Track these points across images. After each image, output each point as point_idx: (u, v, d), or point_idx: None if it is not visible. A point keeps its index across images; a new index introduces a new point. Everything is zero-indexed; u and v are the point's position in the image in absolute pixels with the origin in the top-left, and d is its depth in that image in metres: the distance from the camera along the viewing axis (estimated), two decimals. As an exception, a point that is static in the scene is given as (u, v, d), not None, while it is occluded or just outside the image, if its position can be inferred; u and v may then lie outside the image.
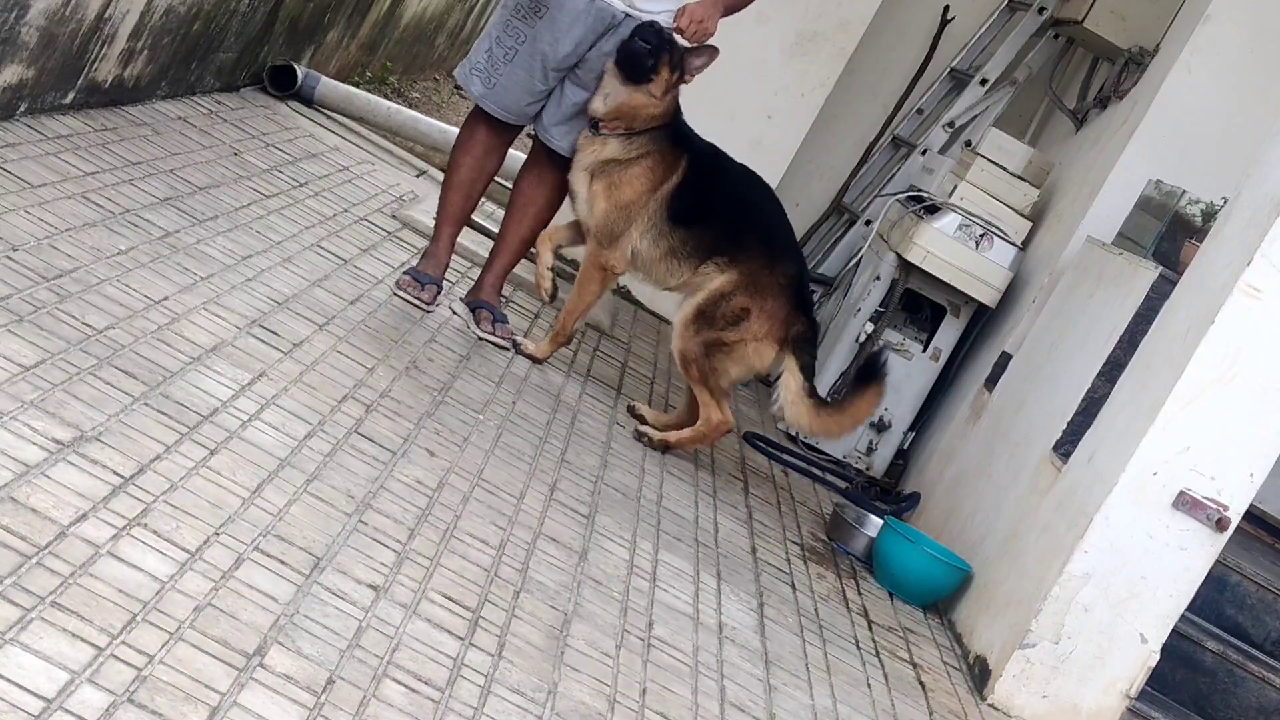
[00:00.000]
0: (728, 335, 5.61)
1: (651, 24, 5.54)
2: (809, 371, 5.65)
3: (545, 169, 5.77)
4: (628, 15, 5.55)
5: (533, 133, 5.90)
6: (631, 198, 5.65)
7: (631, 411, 5.81)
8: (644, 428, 5.67)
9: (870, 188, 8.42)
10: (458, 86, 12.47)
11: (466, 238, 6.83)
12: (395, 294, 5.58)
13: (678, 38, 5.57)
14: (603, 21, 5.53)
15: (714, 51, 5.61)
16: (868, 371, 5.83)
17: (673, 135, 5.70)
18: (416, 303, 5.59)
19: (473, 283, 5.97)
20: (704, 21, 5.53)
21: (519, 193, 5.82)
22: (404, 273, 5.72)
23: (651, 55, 5.53)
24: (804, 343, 5.66)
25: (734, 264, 5.63)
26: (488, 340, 5.65)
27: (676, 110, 5.70)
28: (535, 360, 5.74)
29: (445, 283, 5.86)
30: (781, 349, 5.64)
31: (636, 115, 5.60)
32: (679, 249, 5.68)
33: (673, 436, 5.66)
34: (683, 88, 5.67)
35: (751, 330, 5.61)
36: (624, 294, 7.70)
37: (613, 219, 5.67)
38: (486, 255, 6.75)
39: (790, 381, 5.63)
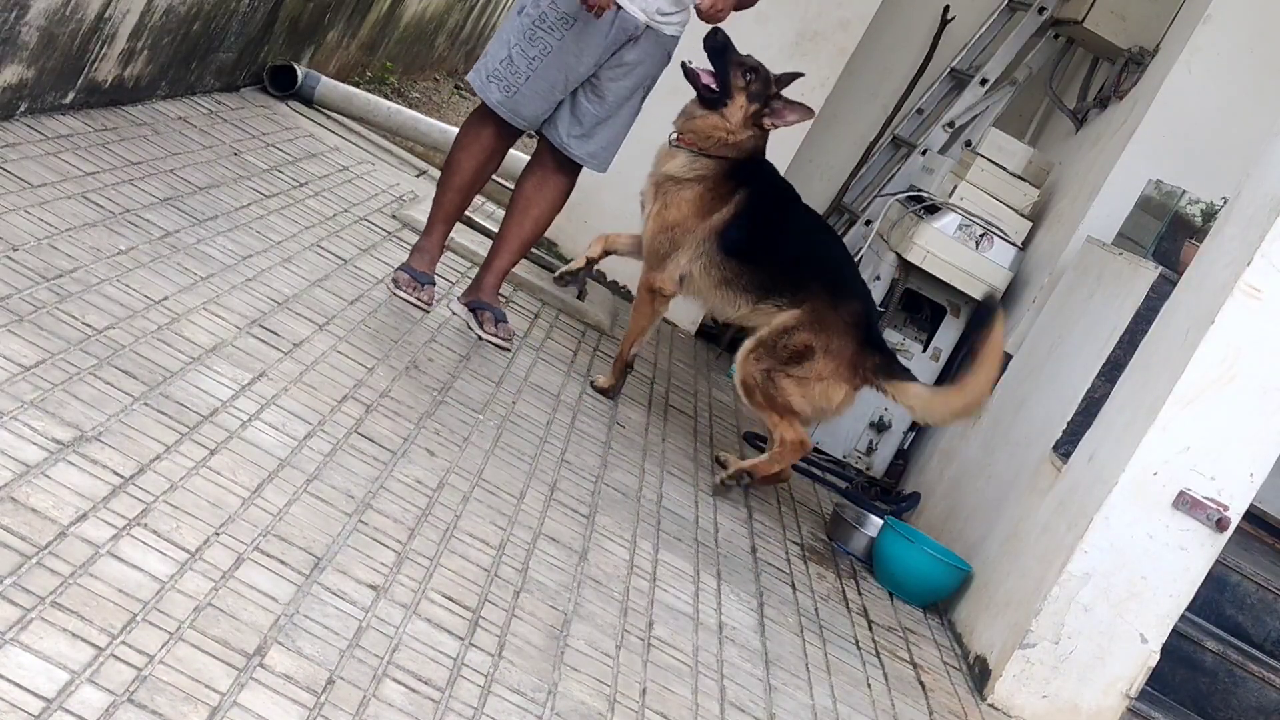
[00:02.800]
0: (792, 370, 5.55)
1: (720, 42, 5.69)
2: (905, 373, 5.62)
3: (549, 172, 5.76)
4: (649, 27, 5.55)
5: (534, 134, 5.88)
6: (676, 219, 5.72)
7: (717, 461, 5.82)
8: (727, 471, 5.62)
9: (870, 188, 8.42)
10: (458, 86, 12.47)
11: (465, 237, 6.83)
12: (394, 293, 5.55)
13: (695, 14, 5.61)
14: (625, 32, 5.52)
15: (808, 111, 5.84)
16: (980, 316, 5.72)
17: (736, 167, 5.74)
18: (417, 303, 5.57)
19: (470, 282, 5.97)
20: (718, 5, 5.56)
21: (520, 194, 5.81)
22: (399, 269, 5.69)
23: (718, 85, 5.70)
24: (885, 368, 5.59)
25: (795, 304, 5.59)
26: (490, 341, 5.63)
27: (755, 147, 5.78)
28: (606, 394, 5.81)
29: (437, 279, 5.84)
30: (854, 387, 5.59)
31: (707, 137, 5.73)
32: (733, 281, 5.69)
33: (748, 463, 5.67)
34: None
35: (817, 370, 5.54)
36: (625, 293, 7.69)
37: (659, 240, 5.77)
38: (481, 252, 6.76)
39: (907, 393, 5.58)
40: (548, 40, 5.51)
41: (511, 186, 6.01)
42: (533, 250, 7.15)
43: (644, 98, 5.75)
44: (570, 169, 5.75)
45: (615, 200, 7.23)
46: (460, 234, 6.81)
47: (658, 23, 5.56)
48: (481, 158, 5.73)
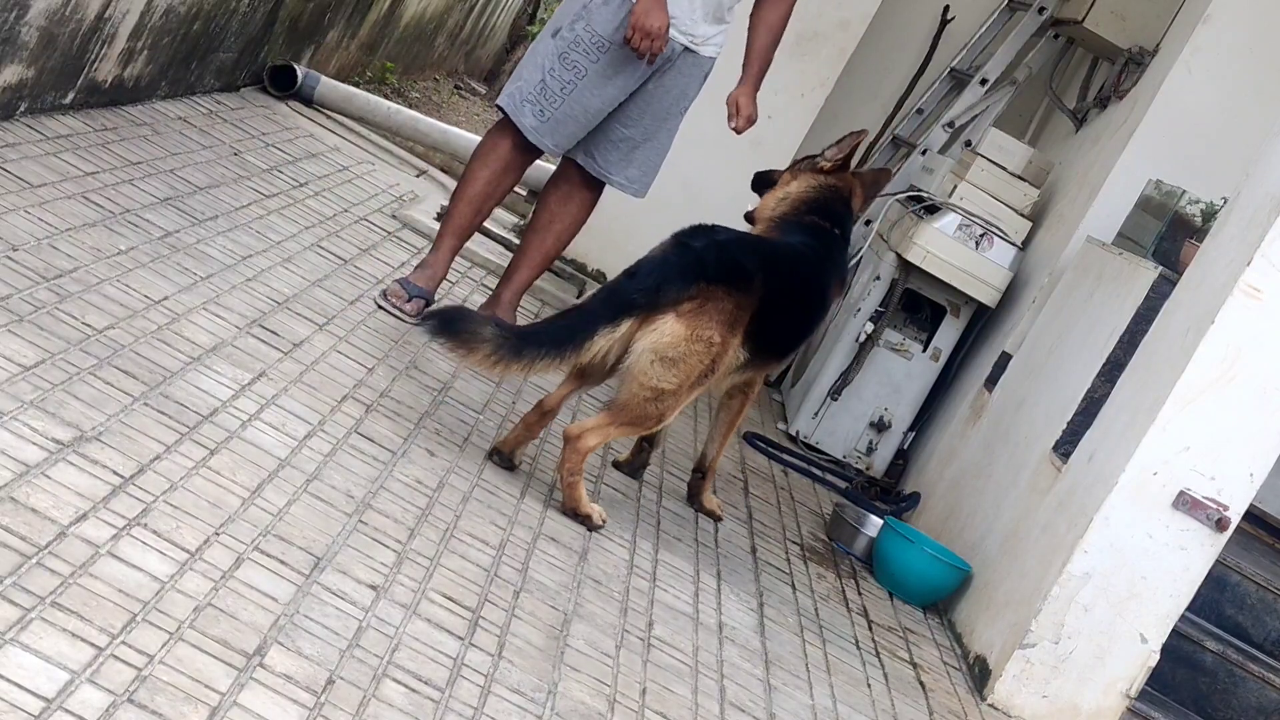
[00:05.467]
0: None
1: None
2: None
3: (575, 187, 5.68)
4: (686, 49, 5.45)
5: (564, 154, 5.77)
6: None
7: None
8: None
9: (870, 187, 8.42)
10: (458, 87, 12.48)
11: (478, 244, 6.79)
12: (378, 305, 5.37)
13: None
14: (662, 56, 5.40)
15: (856, 135, 5.25)
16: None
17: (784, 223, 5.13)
18: (399, 314, 5.37)
19: (479, 290, 5.93)
20: (751, 115, 5.51)
21: (544, 208, 5.74)
22: (394, 280, 5.55)
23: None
24: None
25: None
26: None
27: (818, 198, 5.14)
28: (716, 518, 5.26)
29: (435, 297, 5.66)
30: None
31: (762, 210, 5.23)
32: None
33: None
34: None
35: None
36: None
37: None
38: (481, 252, 6.76)
39: None
40: (582, 65, 5.40)
41: (516, 189, 5.93)
42: (556, 264, 7.12)
43: (680, 120, 5.64)
44: (596, 185, 5.68)
45: (638, 215, 7.21)
46: (473, 240, 6.76)
47: (697, 45, 5.47)
48: (496, 169, 5.59)
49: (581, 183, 5.67)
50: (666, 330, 4.44)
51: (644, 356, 4.44)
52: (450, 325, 4.29)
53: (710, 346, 4.49)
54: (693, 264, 4.52)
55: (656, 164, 5.66)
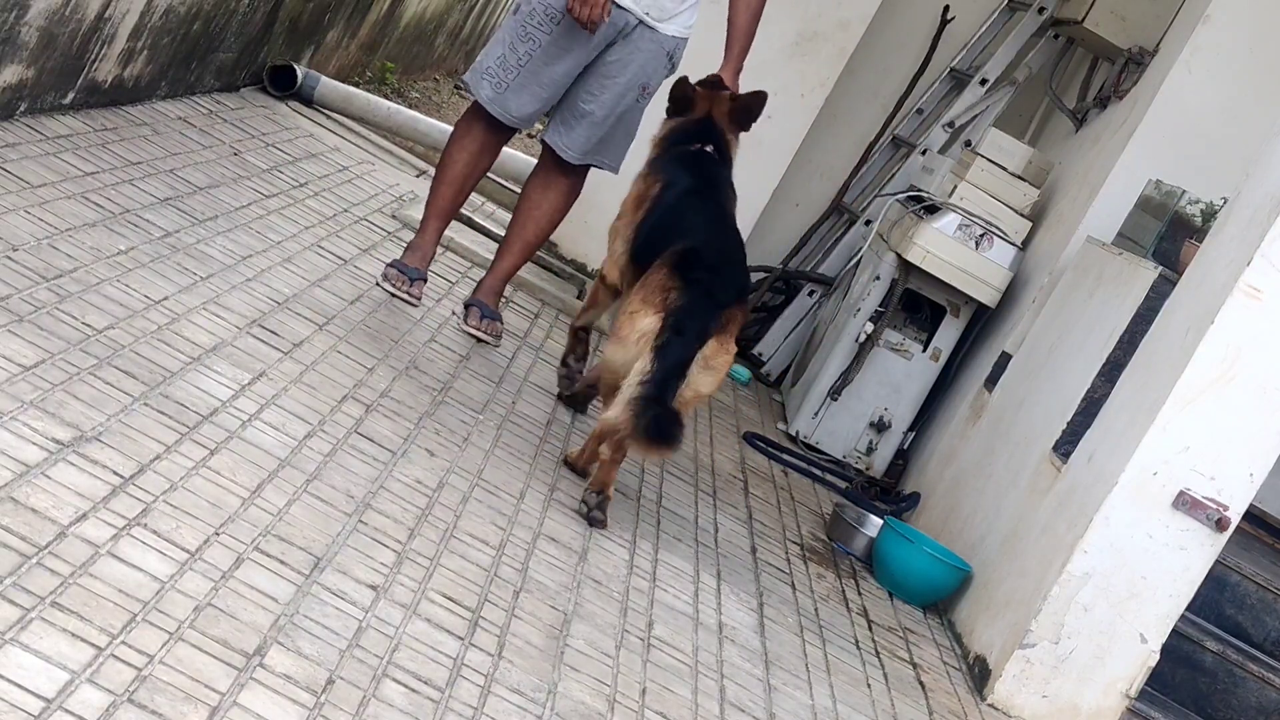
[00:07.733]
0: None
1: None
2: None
3: (551, 174, 5.71)
4: (640, 23, 5.46)
5: (540, 138, 5.84)
6: (620, 211, 5.42)
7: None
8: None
9: (870, 188, 8.42)
10: (457, 86, 12.48)
11: (465, 237, 6.83)
12: (380, 285, 5.47)
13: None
14: (614, 28, 5.44)
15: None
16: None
17: (662, 161, 5.39)
18: (406, 298, 5.48)
19: (474, 284, 5.95)
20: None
21: (525, 198, 5.78)
22: (389, 265, 5.58)
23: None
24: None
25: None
26: (469, 333, 5.58)
27: (673, 136, 5.41)
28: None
29: (434, 276, 5.78)
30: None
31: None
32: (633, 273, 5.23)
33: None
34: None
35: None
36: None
37: (611, 227, 5.46)
38: (481, 252, 6.77)
39: None
40: (537, 36, 5.46)
41: (513, 188, 5.97)
42: (556, 264, 7.16)
43: (641, 98, 5.60)
44: (573, 171, 5.70)
45: (615, 201, 7.20)
46: (461, 234, 6.82)
47: (654, 20, 5.46)
48: (473, 150, 5.64)
49: (559, 170, 5.68)
50: (708, 350, 4.84)
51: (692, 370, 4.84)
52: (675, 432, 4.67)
53: (730, 353, 4.91)
54: (710, 302, 4.85)
55: (613, 137, 5.62)
